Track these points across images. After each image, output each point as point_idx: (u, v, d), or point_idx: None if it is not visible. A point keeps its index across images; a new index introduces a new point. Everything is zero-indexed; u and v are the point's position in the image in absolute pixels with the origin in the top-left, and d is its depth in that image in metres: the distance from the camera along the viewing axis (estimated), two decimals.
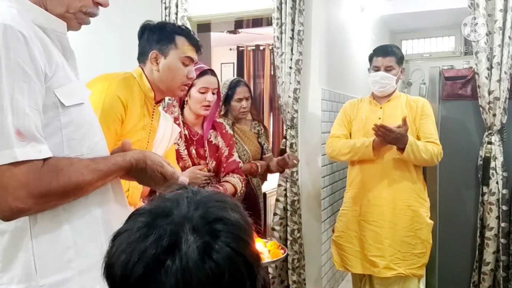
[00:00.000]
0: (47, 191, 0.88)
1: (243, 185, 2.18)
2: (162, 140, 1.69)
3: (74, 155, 0.95)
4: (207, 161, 2.09)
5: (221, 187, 2.05)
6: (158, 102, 1.62)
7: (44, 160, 0.88)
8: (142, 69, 1.57)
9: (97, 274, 0.98)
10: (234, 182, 2.11)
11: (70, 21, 1.01)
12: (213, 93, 2.04)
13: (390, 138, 2.18)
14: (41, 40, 0.92)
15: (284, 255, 1.85)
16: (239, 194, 2.12)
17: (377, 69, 2.39)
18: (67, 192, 0.92)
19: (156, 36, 1.54)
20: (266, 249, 1.83)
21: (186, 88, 1.64)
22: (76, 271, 0.96)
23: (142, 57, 1.58)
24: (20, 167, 0.84)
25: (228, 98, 2.59)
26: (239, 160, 2.26)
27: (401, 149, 2.21)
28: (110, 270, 0.62)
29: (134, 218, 0.64)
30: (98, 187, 1.00)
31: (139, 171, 1.06)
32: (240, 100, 2.58)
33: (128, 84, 1.50)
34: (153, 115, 1.60)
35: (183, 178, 1.11)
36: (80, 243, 0.97)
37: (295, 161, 2.58)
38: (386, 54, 2.38)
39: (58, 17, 0.99)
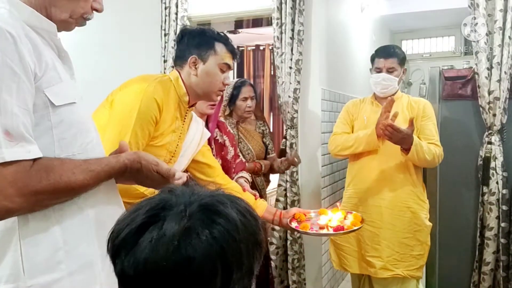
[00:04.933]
0: (36, 190, 0.88)
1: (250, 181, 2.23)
2: (192, 143, 1.69)
3: (65, 155, 0.95)
4: None
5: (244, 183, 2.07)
6: (191, 106, 1.63)
7: (35, 160, 0.88)
8: (179, 73, 1.57)
9: (89, 275, 0.98)
10: (247, 176, 2.16)
11: (70, 25, 1.04)
12: None
13: (397, 138, 2.13)
14: (31, 40, 0.91)
15: (359, 227, 1.74)
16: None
17: (379, 70, 2.37)
18: (58, 191, 0.92)
19: (196, 41, 1.55)
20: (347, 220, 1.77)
21: (221, 93, 1.66)
22: (66, 272, 0.95)
23: (179, 61, 1.58)
24: (9, 168, 0.84)
25: (233, 98, 2.63)
26: (244, 160, 2.28)
27: (406, 150, 2.20)
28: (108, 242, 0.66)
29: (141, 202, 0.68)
30: (91, 188, 0.99)
31: (134, 172, 1.05)
32: (245, 99, 2.62)
33: (165, 87, 1.51)
34: (185, 118, 1.61)
35: (179, 173, 1.09)
36: (71, 243, 0.96)
37: (296, 159, 2.59)
38: (388, 55, 2.36)
39: (60, 22, 1.01)
